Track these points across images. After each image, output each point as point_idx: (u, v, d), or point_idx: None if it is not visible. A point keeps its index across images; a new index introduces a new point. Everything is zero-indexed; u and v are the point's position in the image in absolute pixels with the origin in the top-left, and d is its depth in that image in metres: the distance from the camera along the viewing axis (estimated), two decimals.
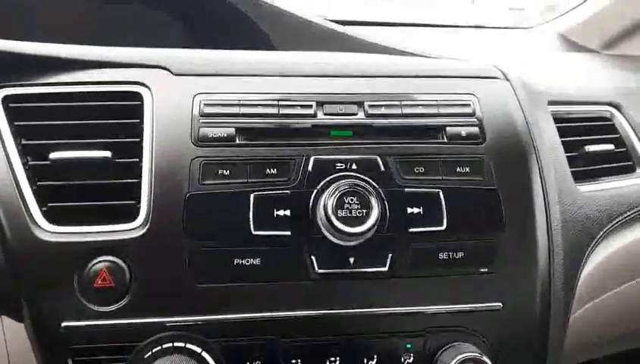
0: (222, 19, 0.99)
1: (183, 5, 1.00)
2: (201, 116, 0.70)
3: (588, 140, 0.88)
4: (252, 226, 0.66)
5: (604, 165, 0.88)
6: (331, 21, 1.29)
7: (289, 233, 0.67)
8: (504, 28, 1.70)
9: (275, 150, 0.69)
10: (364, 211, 0.66)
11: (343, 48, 0.92)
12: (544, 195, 0.74)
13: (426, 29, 1.57)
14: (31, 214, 0.65)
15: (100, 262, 0.64)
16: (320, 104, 0.72)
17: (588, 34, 1.43)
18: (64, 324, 0.64)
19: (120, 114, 0.70)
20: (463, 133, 0.73)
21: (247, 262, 0.66)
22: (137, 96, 0.71)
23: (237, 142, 0.69)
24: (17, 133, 0.68)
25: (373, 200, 0.66)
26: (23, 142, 0.68)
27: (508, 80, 0.80)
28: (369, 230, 0.65)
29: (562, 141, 0.83)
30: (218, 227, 0.66)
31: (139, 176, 0.67)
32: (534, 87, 0.84)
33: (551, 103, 0.86)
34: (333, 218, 0.65)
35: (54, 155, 0.67)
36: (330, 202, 0.65)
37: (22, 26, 0.96)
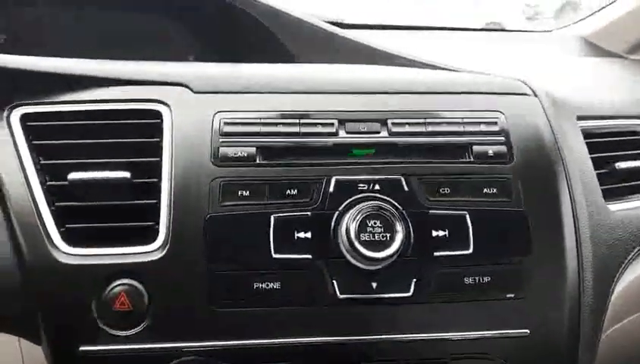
0: (240, 29, 0.97)
1: (200, 16, 0.98)
2: (221, 135, 0.68)
3: (619, 156, 0.85)
4: (272, 249, 0.65)
5: (635, 182, 0.85)
6: (341, 24, 1.26)
7: (309, 256, 0.65)
8: (523, 31, 1.66)
9: (296, 170, 0.68)
10: (388, 234, 0.64)
11: (363, 60, 0.90)
12: (573, 216, 0.72)
13: (441, 33, 1.54)
14: (49, 235, 0.65)
15: (118, 285, 0.63)
16: (342, 122, 0.71)
17: (614, 38, 1.39)
18: (81, 348, 0.63)
19: (139, 132, 0.69)
20: (490, 152, 0.71)
21: (267, 285, 0.65)
22: (156, 114, 0.70)
23: (258, 161, 0.68)
24: (36, 153, 0.67)
25: (397, 224, 0.64)
26: (42, 161, 0.67)
27: (536, 95, 0.77)
28: (393, 255, 0.64)
29: (591, 158, 0.81)
30: (238, 250, 0.65)
31: (158, 197, 0.66)
32: (562, 102, 0.81)
33: (580, 118, 0.83)
34: (356, 242, 0.63)
35: (72, 176, 0.66)
36: (353, 226, 0.64)
37: (39, 41, 0.95)
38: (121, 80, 0.71)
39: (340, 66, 0.85)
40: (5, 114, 0.68)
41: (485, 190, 0.69)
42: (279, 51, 0.94)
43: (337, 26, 1.23)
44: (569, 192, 0.72)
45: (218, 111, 0.70)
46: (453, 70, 0.85)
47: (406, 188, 0.68)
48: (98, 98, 0.70)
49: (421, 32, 1.47)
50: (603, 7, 1.46)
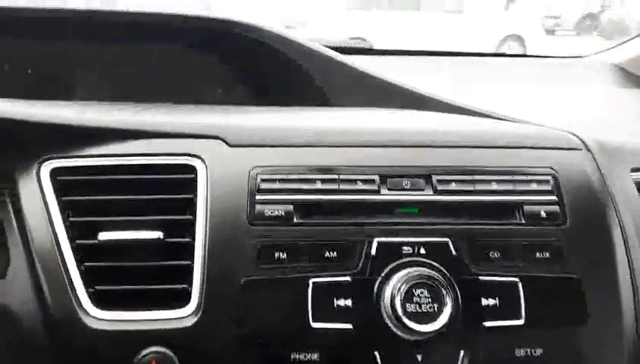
0: (273, 68, 0.94)
1: (232, 55, 0.96)
2: (257, 192, 0.65)
3: None
4: (310, 317, 0.61)
5: None
6: (369, 50, 1.21)
7: (350, 326, 0.61)
8: (554, 57, 1.61)
9: (335, 230, 0.64)
10: (435, 305, 0.60)
11: (401, 105, 0.87)
12: (631, 281, 0.67)
13: (468, 58, 1.49)
14: (77, 297, 0.62)
15: (149, 353, 0.60)
16: (383, 178, 0.67)
17: None
18: None
19: (173, 188, 0.66)
20: (543, 214, 0.66)
21: (305, 356, 0.61)
22: (191, 169, 0.67)
23: (295, 221, 0.64)
24: (65, 209, 0.65)
25: (446, 294, 0.60)
26: (71, 218, 0.64)
27: (589, 150, 0.73)
28: (442, 328, 0.60)
29: None
30: (275, 318, 0.61)
31: (192, 258, 0.63)
32: (615, 154, 0.77)
33: (634, 170, 0.79)
34: (401, 314, 0.59)
35: (102, 236, 0.63)
36: (399, 297, 0.60)
37: (65, 74, 0.93)
38: (155, 133, 0.69)
39: (379, 112, 0.81)
40: (35, 168, 0.66)
41: (537, 255, 0.65)
42: (313, 93, 0.91)
43: (361, 52, 1.20)
44: (627, 256, 0.68)
45: (255, 166, 0.66)
46: (499, 119, 0.81)
47: (453, 252, 0.64)
48: (130, 152, 0.67)
49: (443, 59, 1.43)
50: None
